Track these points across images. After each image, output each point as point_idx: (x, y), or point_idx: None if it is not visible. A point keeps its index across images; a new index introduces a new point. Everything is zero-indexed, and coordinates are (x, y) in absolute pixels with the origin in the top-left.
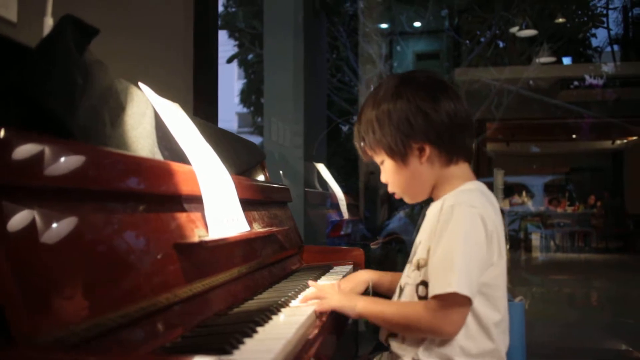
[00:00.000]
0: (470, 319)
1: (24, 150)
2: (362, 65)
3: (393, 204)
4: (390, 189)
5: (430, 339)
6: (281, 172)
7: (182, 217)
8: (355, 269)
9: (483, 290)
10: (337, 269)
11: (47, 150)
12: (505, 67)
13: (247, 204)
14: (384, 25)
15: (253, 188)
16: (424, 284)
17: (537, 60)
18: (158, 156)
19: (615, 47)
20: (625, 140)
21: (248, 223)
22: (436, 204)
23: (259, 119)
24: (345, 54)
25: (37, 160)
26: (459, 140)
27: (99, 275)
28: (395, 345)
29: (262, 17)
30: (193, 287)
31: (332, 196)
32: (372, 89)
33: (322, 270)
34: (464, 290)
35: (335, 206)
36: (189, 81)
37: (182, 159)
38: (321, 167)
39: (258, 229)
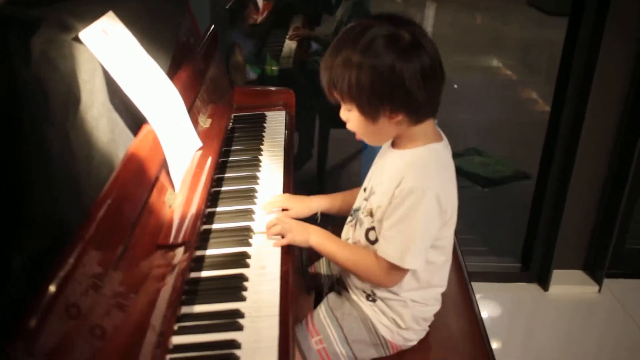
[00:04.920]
0: None
1: None
2: None
3: None
4: (351, 128)
5: None
6: None
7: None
8: (287, 114)
9: (434, 243)
10: (270, 117)
11: None
12: None
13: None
14: None
15: (193, 81)
16: (374, 229)
17: None
18: (113, 113)
19: None
20: None
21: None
22: (398, 155)
23: None
24: None
25: None
26: (431, 102)
27: None
28: (348, 281)
29: None
30: None
31: None
32: None
33: (258, 127)
34: (414, 267)
35: None
36: None
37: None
38: None
39: (202, 120)
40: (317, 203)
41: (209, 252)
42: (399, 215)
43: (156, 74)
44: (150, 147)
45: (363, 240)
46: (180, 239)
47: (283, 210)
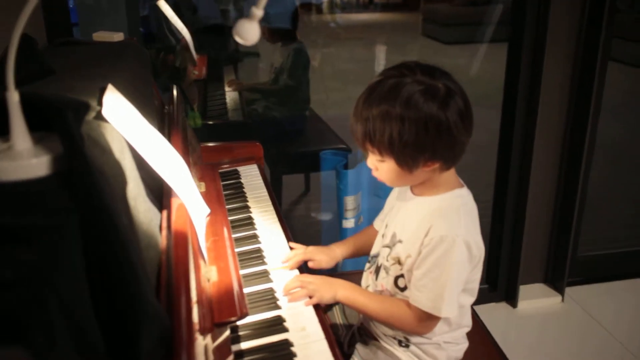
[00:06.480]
0: None
1: None
2: None
3: None
4: (379, 176)
5: None
6: None
7: None
8: (258, 167)
9: (464, 287)
10: (243, 173)
11: None
12: None
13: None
14: None
15: (183, 145)
16: (403, 276)
17: None
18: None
19: None
20: None
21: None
22: (422, 202)
23: None
24: None
25: None
26: (466, 144)
27: None
28: (374, 329)
29: None
30: None
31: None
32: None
33: (236, 184)
34: (450, 315)
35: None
36: None
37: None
38: (162, 5)
39: (197, 184)
40: (340, 251)
41: (241, 321)
42: (431, 264)
43: (163, 144)
44: (186, 222)
45: (391, 288)
46: (238, 313)
47: (306, 262)
